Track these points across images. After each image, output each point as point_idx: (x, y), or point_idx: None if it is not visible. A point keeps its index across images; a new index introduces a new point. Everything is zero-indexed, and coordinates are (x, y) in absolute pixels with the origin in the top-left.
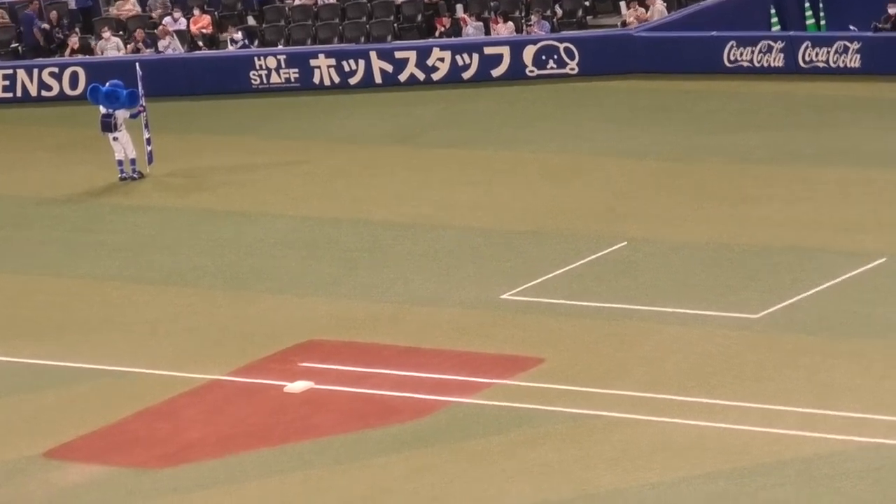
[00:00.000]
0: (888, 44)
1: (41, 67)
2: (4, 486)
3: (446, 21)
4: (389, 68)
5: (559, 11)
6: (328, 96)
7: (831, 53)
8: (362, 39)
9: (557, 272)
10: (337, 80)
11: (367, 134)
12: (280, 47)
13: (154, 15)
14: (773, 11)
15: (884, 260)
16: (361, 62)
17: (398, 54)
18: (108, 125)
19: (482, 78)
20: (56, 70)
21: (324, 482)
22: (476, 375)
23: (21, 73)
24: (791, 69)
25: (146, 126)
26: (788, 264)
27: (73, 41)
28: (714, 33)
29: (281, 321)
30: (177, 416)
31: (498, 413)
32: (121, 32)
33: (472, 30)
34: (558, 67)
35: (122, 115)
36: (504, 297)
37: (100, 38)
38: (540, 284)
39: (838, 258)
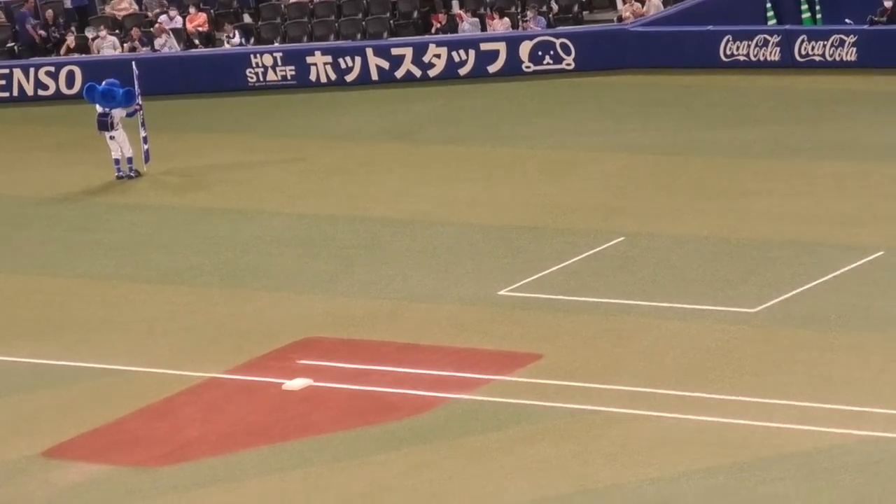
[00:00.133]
0: (884, 37)
1: (37, 66)
2: (4, 485)
3: (442, 17)
4: (386, 65)
5: (555, 7)
6: (325, 93)
7: (827, 47)
8: (358, 36)
9: (555, 268)
10: (333, 77)
11: (364, 131)
12: (276, 45)
13: (150, 13)
14: (769, 6)
15: (881, 253)
16: (358, 59)
17: (394, 51)
18: (105, 124)
19: (479, 74)
20: (52, 69)
21: (323, 480)
22: (474, 372)
23: (17, 73)
24: (787, 63)
25: (143, 125)
26: (787, 258)
27: (70, 40)
28: (710, 28)
29: (278, 319)
30: (175, 414)
31: (496, 409)
32: (117, 31)
33: (468, 26)
34: (555, 63)
35: (118, 113)
36: (502, 293)
37: (96, 36)
38: (538, 280)
39: (836, 252)
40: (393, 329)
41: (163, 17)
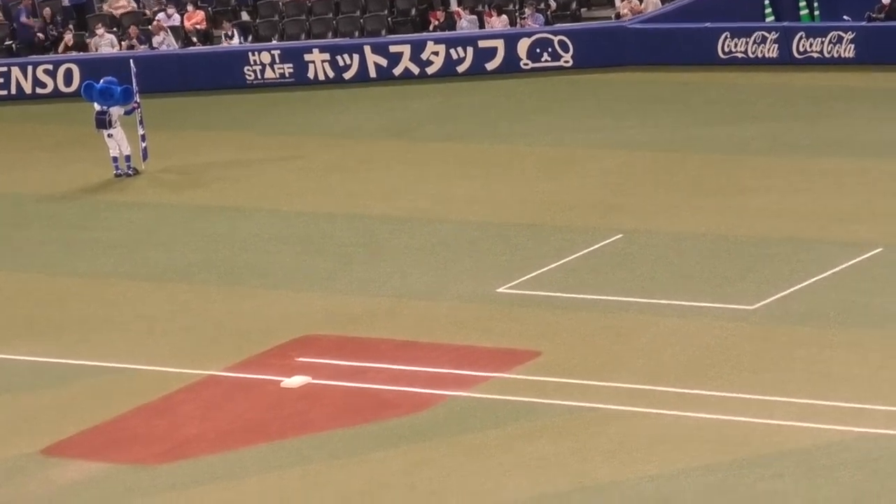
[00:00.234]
0: (882, 33)
1: (35, 65)
2: (4, 484)
3: (440, 15)
4: (384, 62)
5: (553, 4)
6: (322, 91)
7: (825, 44)
8: (356, 34)
9: (554, 265)
10: (331, 74)
11: (362, 128)
12: (274, 42)
13: (148, 11)
14: (766, 2)
15: (880, 250)
16: (356, 57)
17: (392, 48)
18: (103, 122)
19: (477, 71)
20: (50, 67)
21: (322, 477)
22: (473, 369)
23: (15, 71)
24: (785, 60)
25: (141, 122)
26: (785, 255)
27: (68, 38)
28: (708, 25)
29: (277, 316)
30: (174, 412)
31: (495, 406)
32: (114, 29)
33: (466, 23)
34: (553, 60)
35: (116, 111)
36: (501, 290)
37: (93, 34)
38: (536, 277)
39: (834, 248)
40: (391, 326)
41: (160, 15)
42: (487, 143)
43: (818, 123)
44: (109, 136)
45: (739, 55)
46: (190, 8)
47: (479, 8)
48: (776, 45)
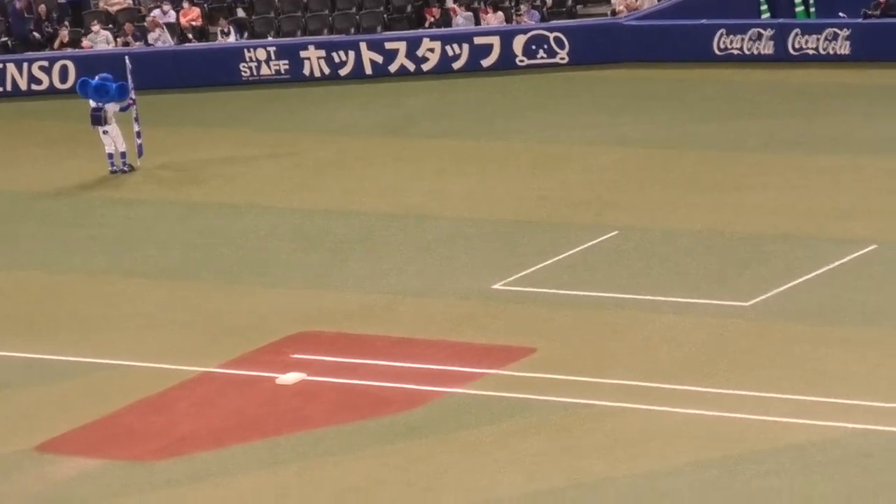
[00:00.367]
0: (878, 30)
1: (31, 61)
2: None
3: (436, 11)
4: (380, 59)
5: (549, 1)
6: (318, 88)
7: (821, 41)
8: (352, 30)
9: (549, 262)
10: (327, 71)
11: (358, 125)
12: (270, 39)
13: (143, 8)
14: None
15: (875, 247)
16: (351, 53)
17: (388, 45)
18: (98, 119)
19: (472, 68)
20: (46, 64)
21: (317, 474)
22: (468, 366)
23: (11, 67)
24: (781, 57)
25: (136, 119)
26: (781, 252)
27: (63, 35)
28: (704, 21)
29: (273, 313)
30: (170, 408)
31: (490, 403)
32: (110, 25)
33: (461, 20)
34: (548, 57)
35: (111, 108)
36: (496, 287)
37: (89, 31)
38: (532, 274)
39: (830, 245)
40: (387, 323)
41: (156, 12)
42: (483, 139)
43: (814, 120)
44: (105, 132)
45: (735, 52)
46: (186, 4)
47: (475, 4)
48: (772, 42)
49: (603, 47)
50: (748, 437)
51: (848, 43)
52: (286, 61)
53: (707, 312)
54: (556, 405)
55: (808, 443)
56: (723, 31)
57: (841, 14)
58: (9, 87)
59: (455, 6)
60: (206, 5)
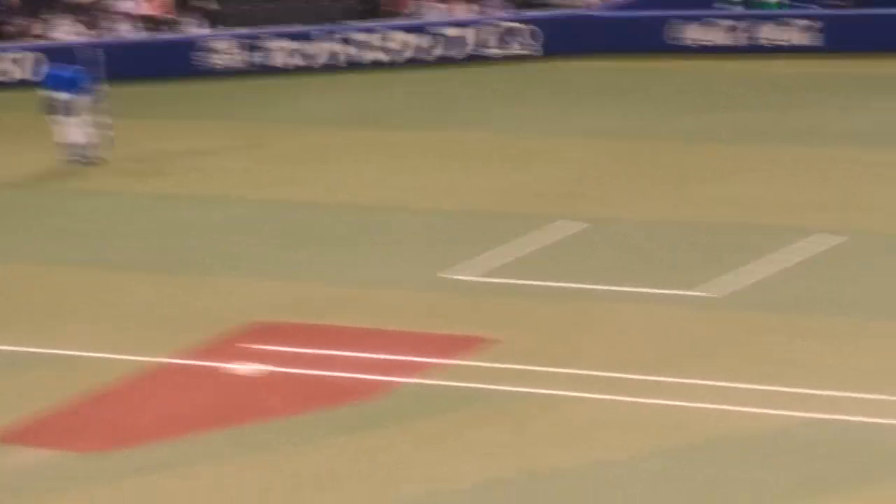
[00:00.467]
0: (849, 21)
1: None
2: None
3: (408, 3)
4: (352, 51)
5: None
6: (289, 79)
7: (793, 32)
8: (323, 22)
9: (517, 253)
10: (298, 62)
11: (327, 117)
12: (239, 30)
13: None
14: None
15: (846, 238)
16: (322, 45)
17: (360, 36)
18: (60, 109)
19: (445, 60)
20: (11, 55)
21: (276, 464)
22: (429, 356)
23: None
24: (753, 48)
25: (101, 110)
26: (752, 243)
27: (28, 26)
28: (676, 13)
29: (235, 304)
30: (128, 399)
31: (449, 393)
32: (76, 16)
33: (434, 12)
34: (521, 48)
35: (75, 98)
36: (461, 278)
37: (55, 22)
38: (499, 265)
39: (801, 237)
40: (350, 314)
41: (123, 3)
42: (453, 131)
43: (786, 112)
44: (66, 123)
45: (707, 43)
46: None
47: None
48: (744, 34)
49: (575, 39)
50: (706, 427)
51: (820, 34)
52: (256, 52)
53: (676, 303)
54: (514, 395)
55: (767, 433)
56: (695, 23)
57: (812, 5)
58: None
59: None
60: None
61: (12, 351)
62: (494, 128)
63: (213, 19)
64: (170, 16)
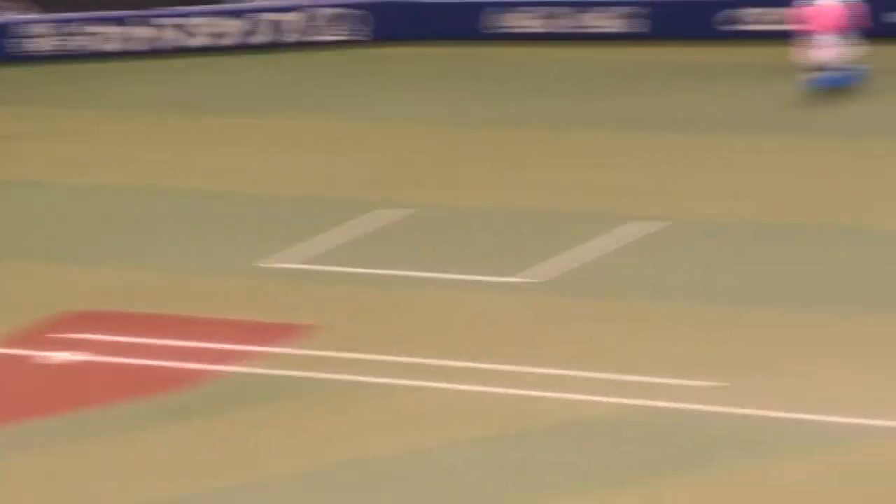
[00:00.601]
0: (675, 7)
1: None
2: None
3: None
4: (176, 35)
5: None
6: (112, 64)
7: (617, 19)
8: (147, 5)
9: (336, 240)
10: (120, 47)
11: (151, 102)
12: (59, 14)
13: None
14: None
15: (668, 224)
16: (147, 29)
17: (185, 21)
18: None
19: (272, 44)
20: None
21: (88, 455)
22: (248, 344)
23: None
24: (579, 35)
25: None
26: (573, 230)
27: None
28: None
29: (48, 291)
30: None
31: (269, 381)
32: None
33: None
34: (350, 34)
35: None
36: (281, 265)
37: None
38: (317, 252)
39: (622, 222)
40: (167, 301)
41: None
42: (276, 117)
43: (612, 99)
44: None
45: (534, 30)
46: None
47: None
48: (569, 20)
49: (406, 24)
50: (525, 414)
51: (646, 21)
52: (77, 36)
53: (495, 290)
54: (336, 383)
55: (581, 418)
56: (523, 9)
57: None
58: None
59: None
60: None
61: None
62: (318, 113)
63: (32, 3)
64: None
